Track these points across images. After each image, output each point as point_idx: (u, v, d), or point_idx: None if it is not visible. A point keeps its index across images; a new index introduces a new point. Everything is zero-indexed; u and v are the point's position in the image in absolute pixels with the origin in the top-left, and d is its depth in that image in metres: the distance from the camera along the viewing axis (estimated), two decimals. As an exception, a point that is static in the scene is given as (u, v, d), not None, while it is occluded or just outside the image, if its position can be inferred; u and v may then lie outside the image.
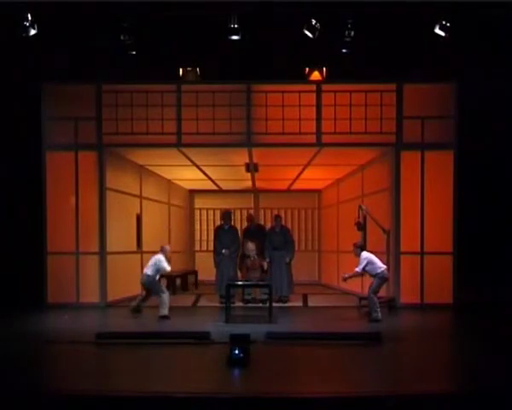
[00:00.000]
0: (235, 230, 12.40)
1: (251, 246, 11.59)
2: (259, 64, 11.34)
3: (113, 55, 11.00)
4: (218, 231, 12.23)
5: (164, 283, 13.81)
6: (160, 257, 9.80)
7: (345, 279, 9.77)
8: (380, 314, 9.36)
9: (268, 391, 5.40)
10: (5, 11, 9.48)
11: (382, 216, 11.35)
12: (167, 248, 10.09)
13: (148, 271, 9.74)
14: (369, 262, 9.51)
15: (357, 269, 9.56)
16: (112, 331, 8.00)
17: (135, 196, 13.01)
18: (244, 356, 6.26)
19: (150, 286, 9.79)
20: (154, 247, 13.73)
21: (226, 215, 12.30)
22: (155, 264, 9.76)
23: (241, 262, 11.94)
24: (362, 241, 10.79)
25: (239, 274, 12.13)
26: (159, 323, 9.26)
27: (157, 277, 9.82)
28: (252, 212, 15.79)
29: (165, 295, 9.64)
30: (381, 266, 9.59)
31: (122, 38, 10.38)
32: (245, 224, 14.20)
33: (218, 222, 12.92)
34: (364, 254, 9.64)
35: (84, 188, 11.21)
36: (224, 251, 11.76)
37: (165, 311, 9.54)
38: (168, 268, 9.86)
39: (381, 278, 9.59)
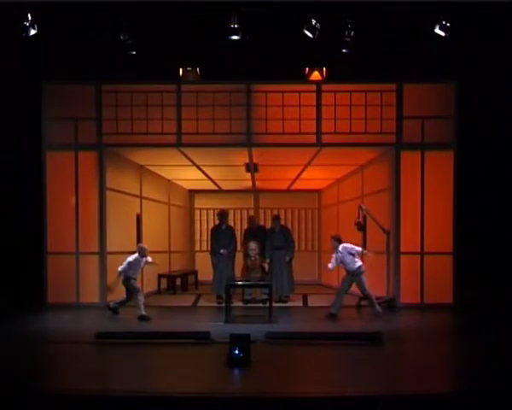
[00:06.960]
0: (232, 229, 12.40)
1: (253, 245, 11.61)
2: (259, 64, 11.32)
3: (113, 55, 11.00)
4: (215, 231, 12.23)
5: (164, 283, 13.91)
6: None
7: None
8: (335, 311, 9.59)
9: (268, 391, 5.40)
10: (5, 11, 9.48)
11: (382, 216, 11.35)
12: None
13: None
14: (340, 258, 9.71)
15: (329, 265, 9.82)
16: (112, 331, 8.00)
17: (135, 196, 13.00)
18: (244, 356, 6.26)
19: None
20: (154, 247, 13.83)
21: (222, 215, 12.29)
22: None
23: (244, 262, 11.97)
24: (339, 234, 10.73)
25: (237, 274, 12.14)
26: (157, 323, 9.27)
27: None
28: (253, 214, 15.78)
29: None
30: (349, 262, 9.65)
31: (122, 38, 10.39)
32: (245, 224, 14.21)
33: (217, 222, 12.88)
34: (340, 248, 9.78)
35: (84, 188, 11.20)
36: (222, 251, 11.77)
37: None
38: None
39: (352, 275, 9.68)
